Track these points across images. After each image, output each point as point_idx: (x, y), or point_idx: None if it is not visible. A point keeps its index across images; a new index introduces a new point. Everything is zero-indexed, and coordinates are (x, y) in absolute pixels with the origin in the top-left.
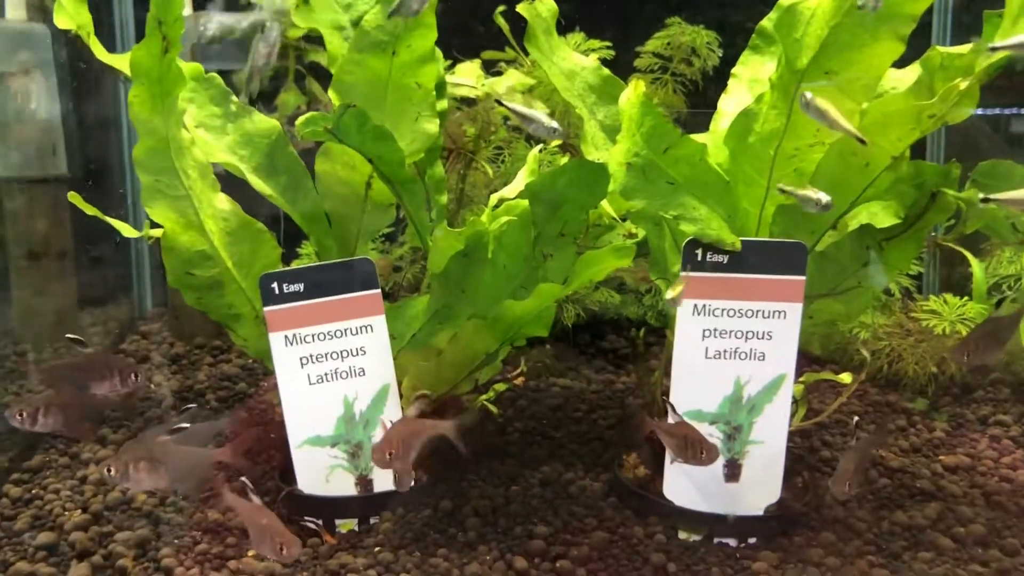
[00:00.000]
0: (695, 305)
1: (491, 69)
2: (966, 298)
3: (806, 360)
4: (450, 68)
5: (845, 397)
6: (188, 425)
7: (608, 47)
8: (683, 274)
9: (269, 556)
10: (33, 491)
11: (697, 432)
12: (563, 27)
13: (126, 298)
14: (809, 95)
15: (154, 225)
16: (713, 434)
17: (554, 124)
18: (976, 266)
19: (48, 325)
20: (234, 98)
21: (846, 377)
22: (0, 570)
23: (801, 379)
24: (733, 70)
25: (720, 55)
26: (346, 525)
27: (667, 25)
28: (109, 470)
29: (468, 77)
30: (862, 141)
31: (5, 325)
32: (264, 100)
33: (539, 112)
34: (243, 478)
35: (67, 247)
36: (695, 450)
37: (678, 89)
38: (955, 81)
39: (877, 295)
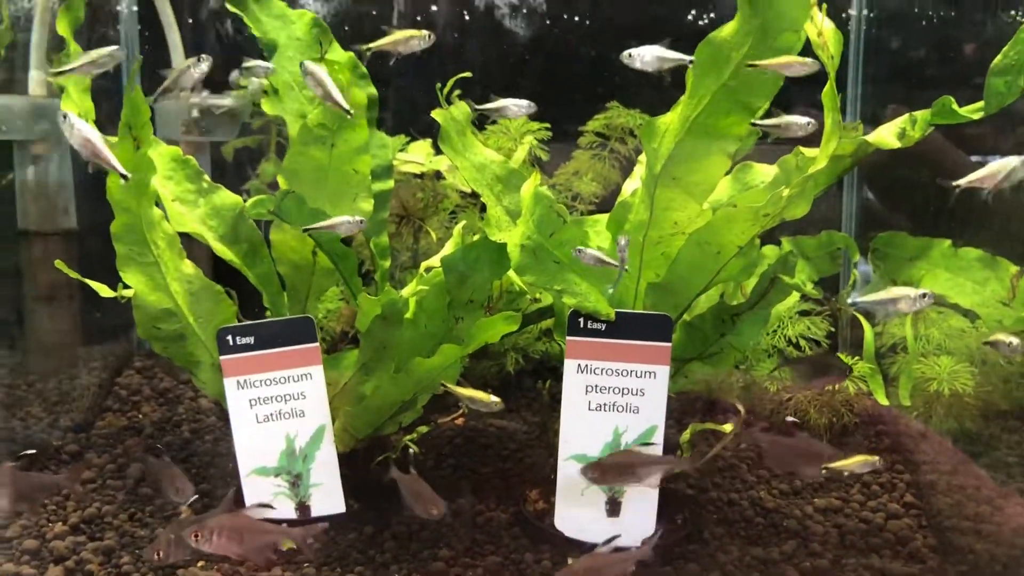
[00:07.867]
0: (579, 364)
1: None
2: (857, 357)
3: (720, 408)
4: (406, 145)
5: (720, 447)
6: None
7: (547, 128)
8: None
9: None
10: None
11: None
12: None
13: (125, 337)
14: (309, 64)
15: (126, 286)
16: None
17: None
18: (868, 330)
19: (55, 359)
20: (205, 176)
21: (728, 427)
22: None
23: (688, 429)
24: (639, 157)
25: None
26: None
27: (607, 109)
28: None
29: (419, 155)
30: (348, 113)
31: (19, 358)
32: (250, 166)
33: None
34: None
35: (74, 292)
36: (425, 505)
37: (615, 165)
38: (779, 189)
39: (740, 359)
